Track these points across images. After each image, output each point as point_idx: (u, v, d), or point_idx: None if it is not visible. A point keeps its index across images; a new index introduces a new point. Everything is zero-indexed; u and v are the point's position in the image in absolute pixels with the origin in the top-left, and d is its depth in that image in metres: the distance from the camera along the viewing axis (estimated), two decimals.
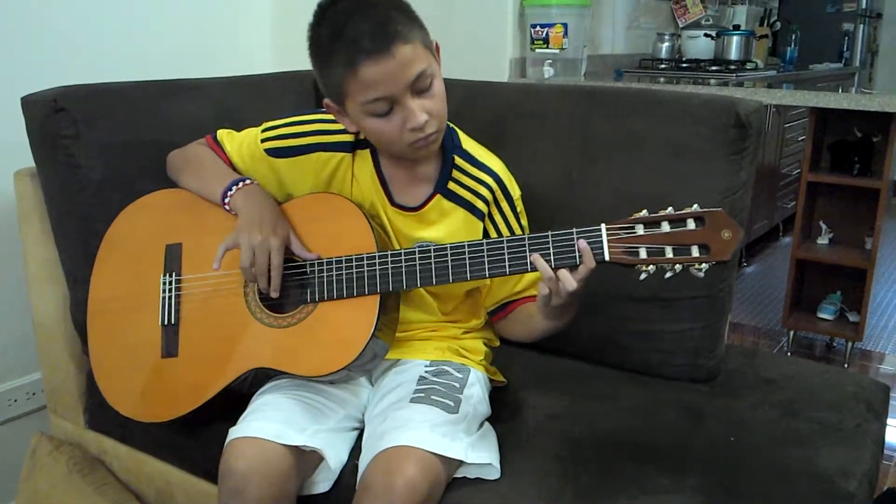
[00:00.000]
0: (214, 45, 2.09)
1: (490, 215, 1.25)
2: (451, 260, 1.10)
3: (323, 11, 1.09)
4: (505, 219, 1.27)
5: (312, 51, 1.12)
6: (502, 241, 1.08)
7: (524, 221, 1.30)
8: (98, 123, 1.41)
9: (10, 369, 1.73)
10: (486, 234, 1.26)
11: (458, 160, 1.25)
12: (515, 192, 1.28)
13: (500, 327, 1.33)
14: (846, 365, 2.84)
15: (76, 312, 1.44)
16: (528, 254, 1.06)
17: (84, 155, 1.38)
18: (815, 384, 1.40)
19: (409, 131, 1.10)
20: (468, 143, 1.28)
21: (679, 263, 1.01)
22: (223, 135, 1.34)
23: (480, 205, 1.24)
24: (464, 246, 1.10)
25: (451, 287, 1.19)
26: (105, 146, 1.41)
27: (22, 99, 1.39)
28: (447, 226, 1.24)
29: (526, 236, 1.07)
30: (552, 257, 1.04)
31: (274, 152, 1.28)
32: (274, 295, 1.17)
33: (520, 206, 1.29)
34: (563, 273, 1.02)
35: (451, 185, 1.24)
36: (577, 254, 1.03)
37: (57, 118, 1.36)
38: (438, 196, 1.24)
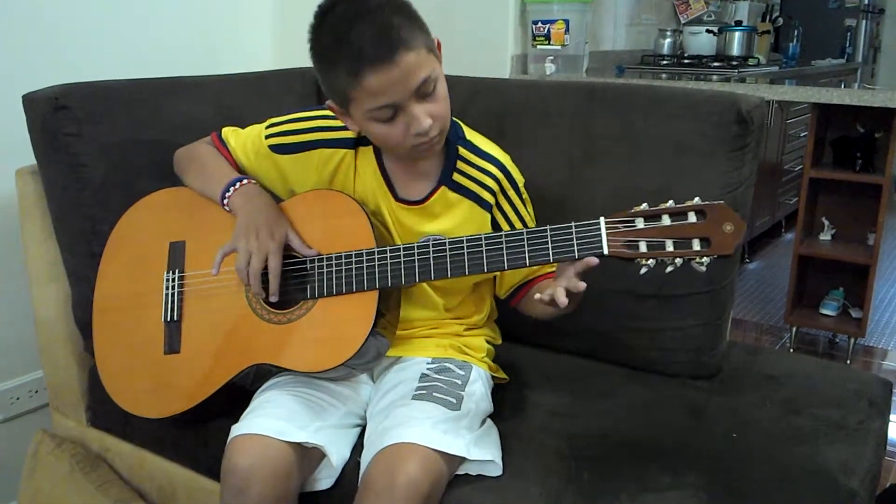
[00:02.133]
0: (216, 42, 2.08)
1: (498, 205, 1.26)
2: (450, 255, 1.11)
3: (324, 15, 1.08)
4: (514, 207, 1.27)
5: (315, 55, 1.11)
6: (501, 235, 1.09)
7: (530, 209, 1.31)
8: (99, 121, 1.41)
9: (12, 367, 1.73)
10: (495, 224, 1.26)
11: (463, 151, 1.25)
12: (520, 179, 1.29)
13: (520, 308, 1.33)
14: (849, 361, 2.84)
15: (78, 310, 1.44)
16: (527, 249, 1.06)
17: (85, 153, 1.39)
18: (817, 381, 1.40)
19: (413, 135, 1.10)
20: (471, 135, 1.28)
21: (680, 257, 1.00)
22: (228, 132, 1.35)
23: (487, 196, 1.24)
24: (463, 241, 1.10)
25: (456, 280, 1.19)
26: (106, 144, 1.41)
27: (23, 97, 1.39)
28: (453, 218, 1.25)
29: (524, 231, 1.08)
30: (551, 253, 1.04)
31: (277, 149, 1.28)
32: (273, 299, 1.17)
33: (525, 194, 1.30)
34: (575, 283, 1.02)
35: (457, 177, 1.24)
36: (575, 249, 1.03)
37: (58, 116, 1.36)
38: (443, 188, 1.24)
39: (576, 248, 1.03)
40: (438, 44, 1.14)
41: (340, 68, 1.06)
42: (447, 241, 1.11)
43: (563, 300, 1.01)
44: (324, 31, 1.08)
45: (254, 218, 1.19)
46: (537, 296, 1.07)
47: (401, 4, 1.09)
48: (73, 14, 1.74)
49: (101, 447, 1.53)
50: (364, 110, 1.09)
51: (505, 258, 1.08)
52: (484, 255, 1.09)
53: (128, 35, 1.86)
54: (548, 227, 1.05)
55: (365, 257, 1.15)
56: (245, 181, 1.25)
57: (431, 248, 1.12)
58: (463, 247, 1.10)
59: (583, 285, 1.01)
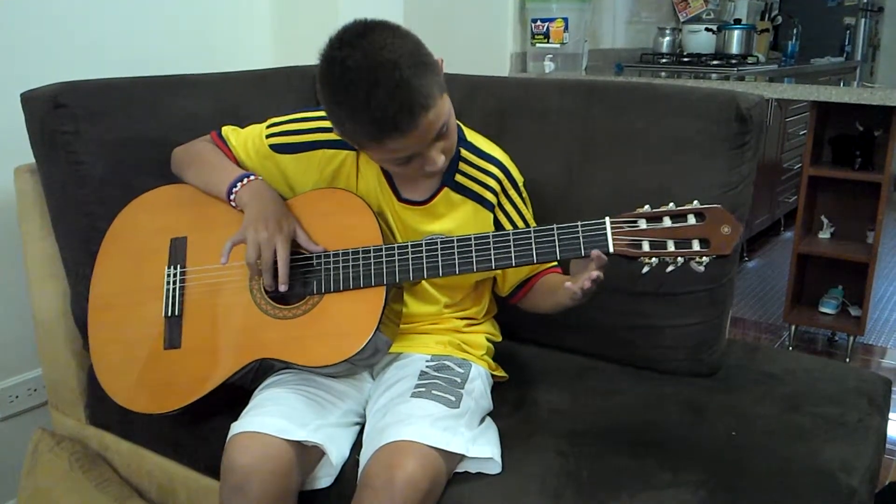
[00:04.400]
0: (215, 40, 2.08)
1: (500, 205, 1.27)
2: (458, 253, 1.12)
3: (332, 67, 1.04)
4: (515, 206, 1.29)
5: (327, 105, 1.09)
6: (509, 233, 1.11)
7: (530, 208, 1.33)
8: (98, 119, 1.41)
9: (11, 366, 1.73)
10: (497, 224, 1.27)
11: (465, 153, 1.26)
12: (520, 178, 1.30)
13: (522, 304, 1.34)
14: (848, 359, 2.84)
15: (76, 308, 1.44)
16: (534, 246, 1.08)
17: (84, 151, 1.38)
18: (816, 379, 1.40)
19: (426, 171, 1.13)
20: (471, 136, 1.29)
21: (681, 256, 1.04)
22: (228, 131, 1.35)
23: (489, 196, 1.25)
24: (470, 238, 1.12)
25: (460, 278, 1.19)
26: (105, 142, 1.41)
27: (22, 95, 1.39)
28: (456, 218, 1.25)
29: (532, 229, 1.10)
30: (558, 250, 1.07)
31: (278, 148, 1.28)
32: (283, 288, 1.17)
33: (525, 193, 1.31)
34: (598, 275, 1.05)
35: (459, 178, 1.25)
36: (581, 247, 1.06)
37: (57, 114, 1.36)
38: (446, 189, 1.24)
39: (582, 245, 1.06)
40: (441, 63, 1.12)
41: (359, 129, 1.06)
42: (455, 238, 1.13)
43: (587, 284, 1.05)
44: (337, 87, 1.05)
45: (263, 211, 1.19)
46: (567, 284, 1.08)
47: (412, 52, 1.05)
48: (72, 12, 1.74)
49: (100, 445, 1.53)
50: (380, 159, 1.13)
51: (513, 255, 1.10)
52: (492, 252, 1.11)
53: (127, 33, 1.85)
54: (554, 225, 1.08)
55: (372, 254, 1.15)
56: (252, 177, 1.26)
57: (440, 246, 1.13)
58: (471, 244, 1.12)
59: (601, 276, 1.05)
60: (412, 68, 1.02)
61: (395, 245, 1.15)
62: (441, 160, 1.12)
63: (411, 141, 1.06)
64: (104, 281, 1.32)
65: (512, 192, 1.28)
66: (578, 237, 1.06)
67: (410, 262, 1.14)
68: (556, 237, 1.07)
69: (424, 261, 1.13)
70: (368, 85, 1.01)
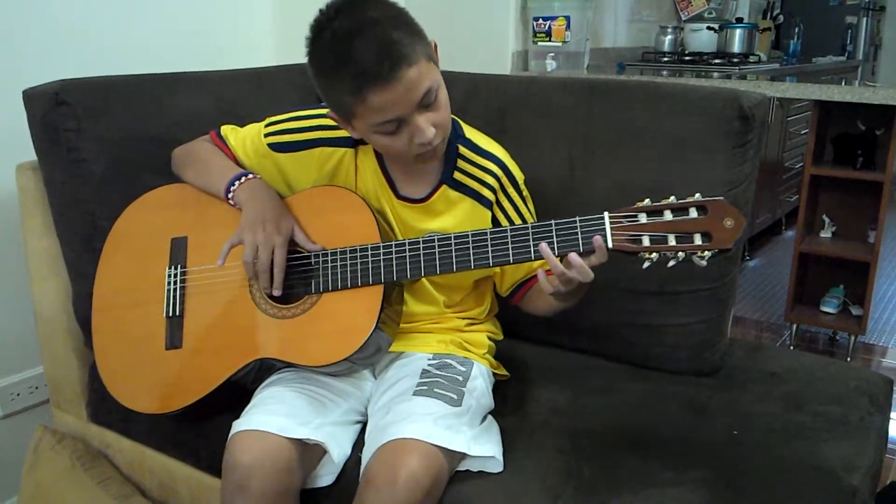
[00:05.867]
0: (216, 38, 2.08)
1: (498, 203, 1.26)
2: (455, 250, 1.11)
3: (321, 29, 1.07)
4: (514, 204, 1.28)
5: (314, 70, 1.10)
6: (506, 230, 1.10)
7: (531, 206, 1.31)
8: (99, 117, 1.40)
9: (13, 363, 1.73)
10: (495, 221, 1.26)
11: (463, 150, 1.25)
12: (520, 176, 1.29)
13: (522, 306, 1.33)
14: (849, 359, 2.84)
15: (78, 306, 1.44)
16: (531, 242, 1.07)
17: (86, 148, 1.38)
18: (818, 378, 1.39)
19: (417, 145, 1.11)
20: (470, 133, 1.28)
21: (682, 251, 1.01)
22: (227, 130, 1.35)
23: (487, 193, 1.25)
24: (468, 235, 1.11)
25: (459, 277, 1.19)
26: (106, 139, 1.41)
27: (24, 92, 1.39)
28: (454, 216, 1.25)
29: (530, 225, 1.09)
30: (556, 245, 1.06)
31: (277, 147, 1.28)
32: (276, 293, 1.17)
33: (525, 191, 1.30)
34: (577, 261, 1.02)
35: (457, 175, 1.24)
36: (580, 242, 1.04)
37: (58, 111, 1.36)
38: (445, 186, 1.24)
39: (580, 241, 1.04)
40: (435, 45, 1.13)
41: (342, 86, 1.06)
42: (452, 236, 1.12)
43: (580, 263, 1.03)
44: (322, 48, 1.07)
45: (260, 211, 1.19)
46: (539, 272, 1.07)
47: (397, 14, 1.08)
48: (73, 10, 1.74)
49: (101, 443, 1.53)
50: (367, 125, 1.10)
51: (511, 252, 1.09)
52: (489, 249, 1.10)
53: (128, 30, 1.85)
54: (552, 221, 1.06)
55: (370, 252, 1.15)
56: (250, 176, 1.25)
57: (437, 243, 1.12)
58: (468, 242, 1.11)
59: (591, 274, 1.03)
60: (395, 27, 1.05)
61: (393, 243, 1.15)
62: (431, 132, 1.09)
63: (394, 97, 1.04)
64: (107, 281, 1.32)
65: (511, 190, 1.27)
66: (577, 232, 1.05)
67: (408, 259, 1.13)
68: (553, 232, 1.06)
69: (422, 258, 1.13)
70: (351, 40, 1.03)
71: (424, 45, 1.08)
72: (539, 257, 1.07)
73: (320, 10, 1.08)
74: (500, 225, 1.26)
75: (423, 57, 1.06)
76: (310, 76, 1.11)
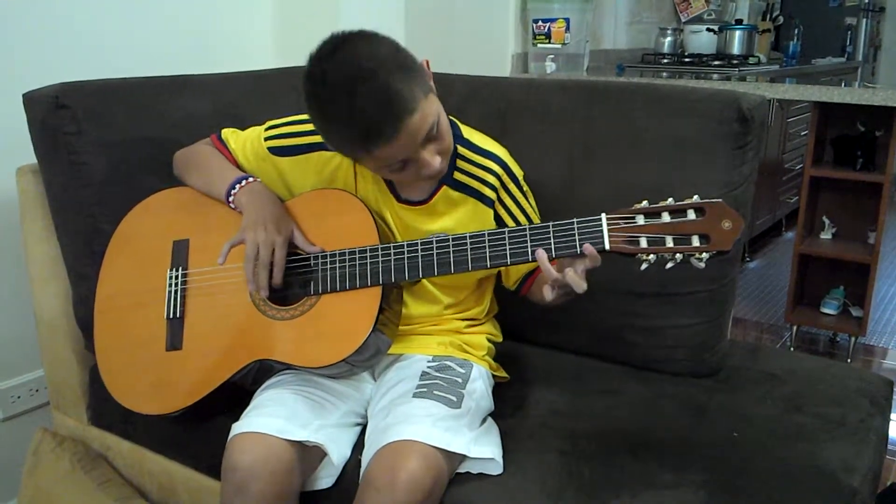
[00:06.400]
0: (216, 41, 2.08)
1: (500, 200, 1.27)
2: (453, 251, 1.12)
3: (314, 83, 1.05)
4: (516, 201, 1.28)
5: (315, 122, 1.10)
6: (504, 232, 1.09)
7: (532, 201, 1.32)
8: (100, 120, 1.41)
9: (13, 366, 1.73)
10: (498, 219, 1.27)
11: (462, 150, 1.26)
12: (519, 172, 1.30)
13: (530, 296, 1.33)
14: (849, 360, 2.84)
15: (78, 308, 1.44)
16: (529, 244, 1.07)
17: (86, 151, 1.39)
18: (818, 379, 1.39)
19: (424, 174, 1.13)
20: (468, 132, 1.29)
21: (680, 253, 1.01)
22: (228, 134, 1.35)
23: (488, 192, 1.25)
24: (465, 237, 1.11)
25: (461, 276, 1.19)
26: (107, 142, 1.41)
27: (24, 95, 1.39)
28: (456, 216, 1.25)
29: (527, 227, 1.09)
30: (553, 248, 1.05)
31: (277, 151, 1.29)
32: (276, 283, 1.18)
33: (525, 186, 1.31)
34: (572, 277, 1.02)
35: (458, 176, 1.25)
36: (577, 245, 1.04)
37: (59, 114, 1.36)
38: (445, 188, 1.24)
39: (577, 243, 1.04)
40: (427, 63, 1.13)
41: (343, 140, 1.08)
42: (450, 237, 1.12)
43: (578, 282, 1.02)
44: (321, 106, 1.06)
45: (261, 212, 1.20)
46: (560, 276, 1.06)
47: (390, 55, 1.06)
48: (74, 13, 1.74)
49: (101, 446, 1.53)
50: (376, 168, 1.13)
51: (508, 254, 1.09)
52: (487, 250, 1.10)
53: (128, 34, 1.86)
54: (550, 223, 1.06)
55: (368, 254, 1.15)
56: (251, 179, 1.26)
57: (435, 245, 1.12)
58: (466, 243, 1.11)
59: (584, 285, 1.03)
60: (391, 73, 1.03)
61: (392, 244, 1.15)
62: (437, 162, 1.11)
63: (399, 147, 1.06)
64: (109, 284, 1.32)
65: (511, 187, 1.28)
66: (574, 234, 1.04)
67: (406, 261, 1.14)
68: (551, 234, 1.06)
69: (420, 260, 1.13)
70: (349, 96, 1.02)
71: (421, 79, 1.08)
72: (537, 259, 1.07)
73: (309, 58, 1.06)
74: (503, 222, 1.27)
75: (421, 95, 1.06)
76: (309, 118, 1.12)
